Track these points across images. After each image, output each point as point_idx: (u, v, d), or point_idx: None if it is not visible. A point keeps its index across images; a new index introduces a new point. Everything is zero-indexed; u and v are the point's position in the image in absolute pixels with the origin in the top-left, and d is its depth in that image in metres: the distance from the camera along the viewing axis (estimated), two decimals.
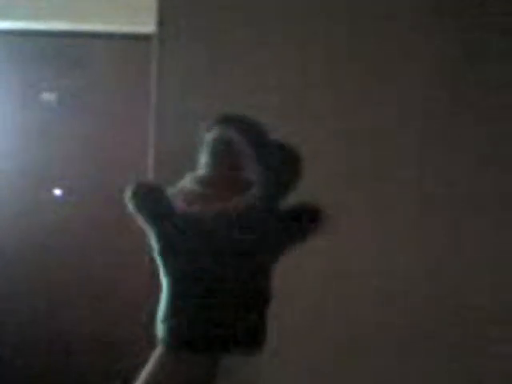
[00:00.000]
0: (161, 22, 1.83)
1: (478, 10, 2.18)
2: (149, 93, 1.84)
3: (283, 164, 0.62)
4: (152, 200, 0.61)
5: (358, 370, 2.06)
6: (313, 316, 2.01)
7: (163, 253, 0.59)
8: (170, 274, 0.58)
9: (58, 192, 3.13)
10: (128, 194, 0.59)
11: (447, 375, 2.13)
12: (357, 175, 2.07)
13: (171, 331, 0.58)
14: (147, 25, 2.00)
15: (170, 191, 0.58)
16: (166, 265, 0.57)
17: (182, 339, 0.57)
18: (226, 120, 0.61)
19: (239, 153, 0.63)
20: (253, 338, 0.59)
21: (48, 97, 3.15)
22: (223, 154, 0.61)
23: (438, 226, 2.16)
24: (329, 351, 2.04)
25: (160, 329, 0.58)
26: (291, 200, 0.74)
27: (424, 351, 2.11)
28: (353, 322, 2.06)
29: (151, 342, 0.83)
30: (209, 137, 0.57)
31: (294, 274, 1.92)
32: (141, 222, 0.59)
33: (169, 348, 0.59)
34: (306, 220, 0.63)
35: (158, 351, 0.60)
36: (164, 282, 0.60)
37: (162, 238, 0.59)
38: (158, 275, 0.88)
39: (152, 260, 1.79)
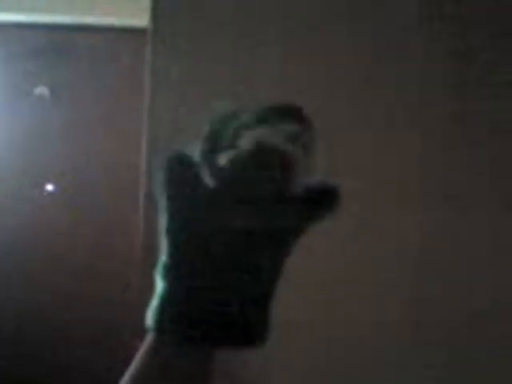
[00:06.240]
0: (155, 15, 1.80)
1: (481, 10, 2.17)
2: (143, 86, 1.82)
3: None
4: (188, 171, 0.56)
5: (357, 369, 2.06)
6: (313, 316, 1.99)
7: (180, 229, 0.54)
8: (180, 253, 0.53)
9: (50, 187, 3.11)
10: (163, 162, 0.53)
11: (447, 375, 2.12)
12: (357, 175, 2.06)
13: (168, 319, 0.54)
14: (141, 18, 1.98)
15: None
16: (176, 244, 0.53)
17: (179, 328, 0.53)
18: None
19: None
20: (254, 333, 0.55)
21: (41, 91, 3.13)
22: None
23: (438, 225, 2.15)
24: (329, 351, 2.02)
25: (157, 317, 0.54)
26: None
27: (424, 351, 2.10)
28: (353, 322, 2.05)
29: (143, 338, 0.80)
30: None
31: (294, 273, 1.90)
32: (161, 195, 0.53)
33: (163, 337, 0.55)
34: (325, 202, 0.58)
35: (149, 341, 0.55)
36: (166, 264, 0.56)
37: (183, 214, 0.54)
38: (149, 271, 0.84)
39: (145, 256, 1.75)
